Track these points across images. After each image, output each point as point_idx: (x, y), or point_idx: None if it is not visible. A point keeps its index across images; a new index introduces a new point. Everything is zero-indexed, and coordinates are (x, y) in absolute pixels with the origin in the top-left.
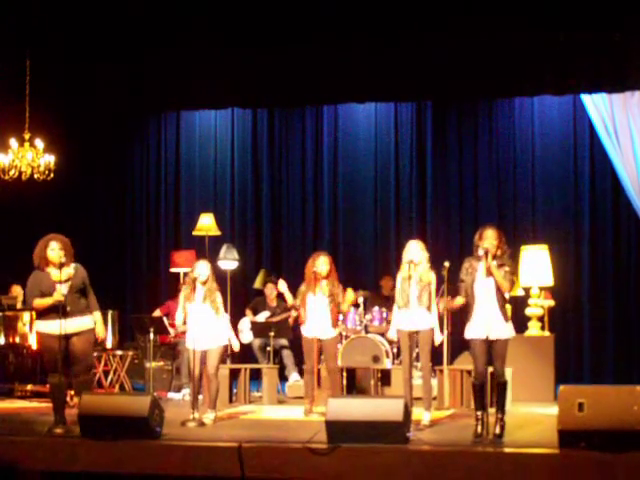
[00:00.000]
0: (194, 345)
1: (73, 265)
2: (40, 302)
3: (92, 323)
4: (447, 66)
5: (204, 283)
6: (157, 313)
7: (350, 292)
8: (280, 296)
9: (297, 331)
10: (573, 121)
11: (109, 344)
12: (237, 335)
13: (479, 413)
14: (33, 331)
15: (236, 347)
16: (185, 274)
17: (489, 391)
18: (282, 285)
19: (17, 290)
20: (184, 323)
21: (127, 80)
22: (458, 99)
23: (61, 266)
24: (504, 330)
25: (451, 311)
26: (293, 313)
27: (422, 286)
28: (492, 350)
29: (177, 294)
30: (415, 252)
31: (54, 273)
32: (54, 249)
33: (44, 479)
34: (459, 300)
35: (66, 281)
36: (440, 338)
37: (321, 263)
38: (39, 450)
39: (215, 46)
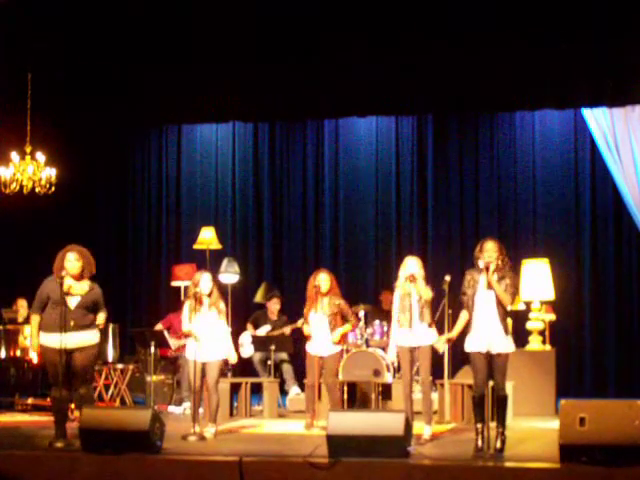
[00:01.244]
0: (194, 356)
1: (89, 283)
2: (32, 320)
3: (95, 338)
4: (448, 80)
5: (209, 295)
6: (159, 327)
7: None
8: (282, 310)
9: (298, 345)
10: (574, 135)
11: (110, 358)
12: (237, 349)
13: (479, 426)
14: None
15: (233, 360)
16: (187, 287)
17: (490, 405)
18: (307, 329)
19: (22, 304)
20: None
21: (128, 93)
22: (459, 113)
23: (72, 278)
24: (505, 344)
25: (452, 342)
26: (287, 330)
27: (422, 303)
28: (493, 364)
29: (178, 308)
30: (413, 268)
31: (66, 283)
32: (70, 260)
33: None
34: (457, 328)
35: (76, 295)
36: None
37: (322, 280)
38: (40, 464)
39: (216, 60)
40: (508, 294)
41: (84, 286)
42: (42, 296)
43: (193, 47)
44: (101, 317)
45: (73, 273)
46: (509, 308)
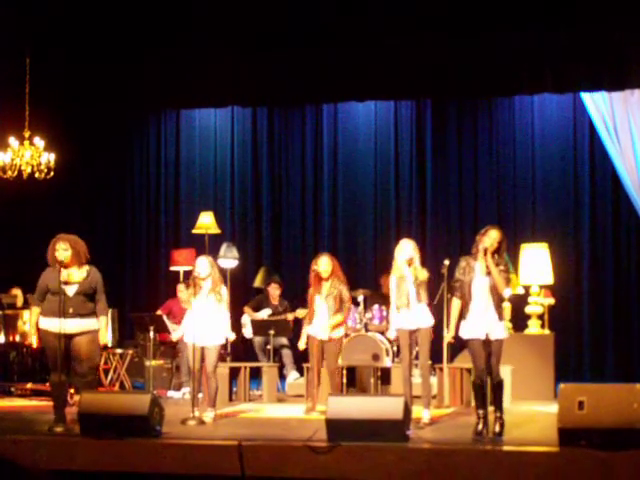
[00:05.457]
0: (193, 340)
1: (87, 268)
2: (33, 312)
3: (96, 325)
4: (447, 64)
5: (206, 279)
6: (159, 313)
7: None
8: (282, 296)
9: (297, 330)
10: (573, 120)
11: (109, 342)
12: (240, 329)
13: (481, 412)
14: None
15: (231, 338)
16: (186, 272)
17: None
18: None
19: (16, 292)
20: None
21: (127, 78)
22: (458, 97)
23: (66, 266)
24: (500, 330)
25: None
26: (289, 317)
27: (418, 284)
28: (489, 349)
29: (177, 294)
30: (410, 251)
31: (64, 273)
32: (58, 249)
33: (50, 478)
34: (453, 320)
35: (74, 283)
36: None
37: (322, 263)
38: (39, 449)
39: (215, 44)
40: (503, 279)
41: (82, 273)
42: (42, 287)
43: (192, 31)
44: (103, 325)
45: (65, 262)
46: (508, 293)
